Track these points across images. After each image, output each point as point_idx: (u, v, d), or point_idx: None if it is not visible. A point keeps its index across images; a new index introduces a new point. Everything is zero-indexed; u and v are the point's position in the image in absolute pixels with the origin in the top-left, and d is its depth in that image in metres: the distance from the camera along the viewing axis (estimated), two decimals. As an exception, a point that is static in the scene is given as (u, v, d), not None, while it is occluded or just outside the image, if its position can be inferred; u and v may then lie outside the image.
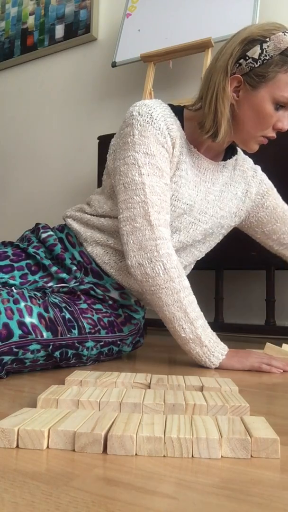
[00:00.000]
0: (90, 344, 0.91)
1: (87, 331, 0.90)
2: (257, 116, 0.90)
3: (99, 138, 1.80)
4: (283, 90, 0.87)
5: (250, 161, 1.13)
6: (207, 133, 0.93)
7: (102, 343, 0.94)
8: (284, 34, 0.86)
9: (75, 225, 1.05)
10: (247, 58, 0.88)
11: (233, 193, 1.07)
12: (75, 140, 2.26)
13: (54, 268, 0.99)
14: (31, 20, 2.41)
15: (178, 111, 0.98)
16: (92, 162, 2.11)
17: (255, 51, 0.87)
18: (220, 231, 1.09)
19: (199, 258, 1.11)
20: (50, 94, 2.38)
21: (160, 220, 0.89)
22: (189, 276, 1.03)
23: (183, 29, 1.76)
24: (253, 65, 0.88)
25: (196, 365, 0.96)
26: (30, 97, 2.45)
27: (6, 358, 0.78)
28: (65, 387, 0.61)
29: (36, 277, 0.98)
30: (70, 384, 0.68)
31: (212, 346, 0.89)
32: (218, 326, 1.62)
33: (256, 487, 0.37)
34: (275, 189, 1.15)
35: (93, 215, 1.04)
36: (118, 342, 0.99)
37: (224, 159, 1.06)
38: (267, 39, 0.86)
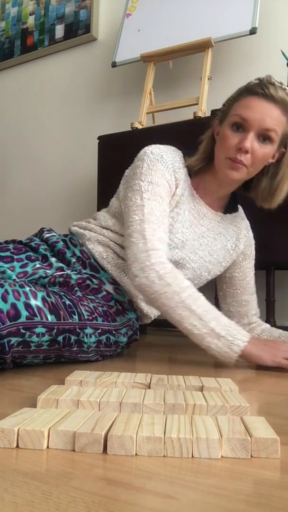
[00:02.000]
0: (89, 330, 0.93)
1: (85, 318, 0.93)
2: (221, 141, 0.98)
3: (99, 138, 1.80)
4: (235, 111, 0.95)
5: (247, 223, 1.22)
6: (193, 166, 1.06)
7: (99, 331, 0.96)
8: (254, 80, 0.96)
9: (79, 230, 1.15)
10: (221, 108, 1.03)
11: (224, 243, 1.14)
12: (75, 140, 2.27)
13: (53, 259, 1.07)
14: (31, 20, 2.41)
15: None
16: (92, 162, 2.11)
17: (225, 101, 1.03)
18: (206, 277, 1.15)
19: None
20: (50, 94, 2.38)
21: (154, 235, 0.94)
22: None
23: (183, 29, 1.76)
24: (222, 109, 1.02)
25: (196, 365, 0.96)
26: (30, 97, 2.45)
27: (13, 340, 0.80)
28: (65, 387, 0.61)
29: (36, 263, 1.05)
30: (70, 384, 0.68)
31: (230, 334, 0.88)
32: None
33: (256, 487, 0.37)
34: (253, 262, 1.23)
35: (97, 226, 1.14)
36: (114, 332, 1.01)
37: (225, 212, 1.14)
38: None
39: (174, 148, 1.08)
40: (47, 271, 1.04)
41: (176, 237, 1.05)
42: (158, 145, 1.05)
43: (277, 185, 1.03)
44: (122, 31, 1.93)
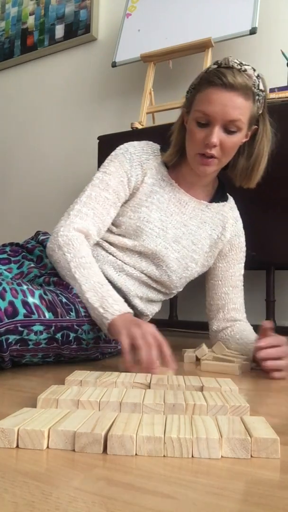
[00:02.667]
0: (86, 327, 0.93)
1: (83, 314, 0.93)
2: (188, 136, 0.99)
3: (99, 138, 1.80)
4: (198, 105, 0.94)
5: (237, 214, 1.18)
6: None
7: (98, 327, 0.95)
8: (213, 65, 0.94)
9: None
10: (186, 95, 1.02)
11: (208, 232, 1.12)
12: (75, 140, 2.26)
13: (48, 259, 1.09)
14: (31, 20, 2.41)
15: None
16: (92, 162, 2.11)
17: (188, 87, 1.01)
18: (194, 268, 1.12)
19: (174, 291, 1.16)
20: (50, 94, 2.38)
21: (78, 215, 0.99)
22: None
23: (183, 29, 1.76)
24: (187, 96, 1.02)
25: (196, 365, 0.96)
26: (30, 97, 2.45)
27: (11, 338, 0.80)
28: (65, 387, 0.61)
29: (31, 263, 1.08)
30: (70, 384, 0.68)
31: (103, 306, 0.87)
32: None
33: (256, 487, 0.37)
34: (243, 255, 1.17)
35: None
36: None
37: (211, 201, 1.13)
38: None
39: (151, 142, 1.11)
40: (42, 271, 1.06)
41: (155, 225, 1.05)
42: (131, 142, 1.10)
43: (254, 164, 1.03)
44: (122, 31, 1.93)
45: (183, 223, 1.09)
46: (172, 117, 1.82)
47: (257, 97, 0.94)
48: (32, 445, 0.44)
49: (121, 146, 1.09)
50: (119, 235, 1.07)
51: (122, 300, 0.91)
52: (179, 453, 0.43)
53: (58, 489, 0.35)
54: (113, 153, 1.08)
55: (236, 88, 0.90)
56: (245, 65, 0.92)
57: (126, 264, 1.06)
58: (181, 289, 1.17)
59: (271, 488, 0.37)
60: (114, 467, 0.40)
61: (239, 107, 0.91)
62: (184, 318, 1.77)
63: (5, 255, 1.08)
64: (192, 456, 0.43)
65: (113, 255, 1.07)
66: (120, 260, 1.06)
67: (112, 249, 1.07)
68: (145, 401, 0.55)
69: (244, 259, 1.17)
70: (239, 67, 0.91)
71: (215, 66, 0.93)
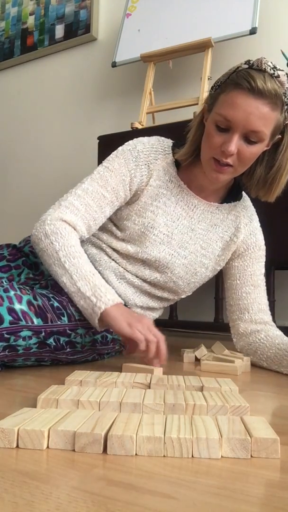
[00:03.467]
0: (81, 331, 0.92)
1: (76, 318, 0.91)
2: (205, 137, 0.91)
3: (99, 138, 1.80)
4: (220, 108, 0.86)
5: (252, 212, 1.09)
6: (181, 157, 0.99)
7: (93, 330, 0.94)
8: (243, 64, 0.86)
9: None
10: (210, 90, 0.94)
11: (220, 235, 1.05)
12: (75, 140, 2.26)
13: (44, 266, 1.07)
14: (31, 20, 2.41)
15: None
16: (92, 162, 2.11)
17: (214, 83, 0.92)
18: (204, 273, 1.06)
19: (183, 296, 1.10)
20: (50, 94, 2.38)
21: (69, 207, 0.95)
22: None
23: (183, 29, 1.76)
24: (211, 92, 0.93)
25: (195, 365, 0.96)
26: (30, 97, 2.45)
27: None
28: (65, 387, 0.61)
29: (30, 274, 1.07)
30: (70, 384, 0.68)
31: (95, 295, 0.85)
32: (218, 326, 1.62)
33: (256, 487, 0.37)
34: (262, 253, 1.09)
35: None
36: (111, 329, 0.97)
37: (223, 201, 1.05)
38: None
39: (162, 138, 1.04)
40: (37, 278, 1.06)
41: (160, 231, 1.00)
42: (140, 138, 1.03)
43: (275, 176, 0.94)
44: (122, 31, 1.93)
45: (190, 227, 1.03)
46: (172, 117, 1.83)
47: (286, 107, 0.86)
48: (32, 445, 0.44)
49: (130, 142, 1.02)
50: (122, 240, 1.02)
51: (113, 290, 0.88)
52: (179, 453, 0.43)
53: (58, 489, 0.35)
54: (120, 148, 1.01)
55: (265, 96, 0.82)
56: (279, 70, 0.83)
57: (128, 271, 1.02)
58: (190, 293, 1.11)
59: (271, 488, 0.37)
60: (114, 467, 0.40)
61: (264, 117, 0.83)
62: (184, 318, 1.77)
63: (4, 262, 1.06)
64: (192, 456, 0.43)
65: (115, 261, 1.03)
66: (122, 267, 1.02)
67: (115, 255, 1.03)
68: (145, 401, 0.56)
69: (263, 258, 1.09)
70: (272, 71, 0.83)
71: (246, 66, 0.85)
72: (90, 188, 0.97)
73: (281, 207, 1.09)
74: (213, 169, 0.91)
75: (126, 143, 1.02)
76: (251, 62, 0.85)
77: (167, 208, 1.01)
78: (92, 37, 2.20)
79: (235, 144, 0.85)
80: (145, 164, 0.99)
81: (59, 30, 2.29)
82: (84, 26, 2.20)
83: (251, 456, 0.44)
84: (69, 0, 2.27)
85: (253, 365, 0.99)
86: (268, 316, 1.06)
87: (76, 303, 0.88)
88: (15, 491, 0.35)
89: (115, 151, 1.01)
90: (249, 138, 0.85)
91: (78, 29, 2.22)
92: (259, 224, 1.10)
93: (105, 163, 1.00)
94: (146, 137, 1.04)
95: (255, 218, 1.10)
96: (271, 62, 0.84)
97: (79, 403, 0.55)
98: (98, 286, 0.86)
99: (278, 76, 0.83)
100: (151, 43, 1.81)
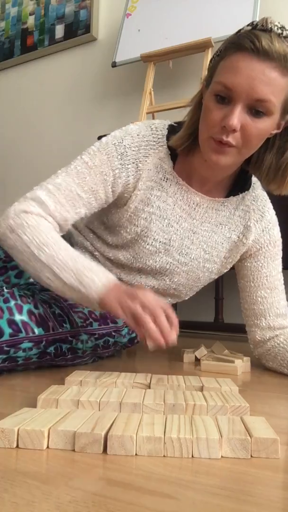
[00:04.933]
0: (84, 337, 0.90)
1: (79, 325, 0.90)
2: (203, 114, 0.77)
3: (99, 138, 1.80)
4: (219, 75, 0.73)
5: (264, 202, 0.94)
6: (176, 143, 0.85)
7: (96, 336, 0.93)
8: (246, 26, 0.74)
9: (71, 228, 1.05)
10: (208, 64, 0.82)
11: (226, 236, 0.93)
12: (75, 140, 2.26)
13: None
14: (31, 20, 2.41)
15: None
16: (92, 162, 2.10)
17: (213, 54, 0.80)
18: (209, 276, 0.97)
19: (185, 298, 1.03)
20: (50, 94, 2.38)
21: (35, 199, 0.82)
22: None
23: (183, 29, 1.76)
24: (209, 64, 0.80)
25: (195, 365, 0.96)
26: (30, 97, 2.45)
27: None
28: (65, 387, 0.61)
29: (30, 279, 1.01)
30: (70, 384, 0.68)
31: (84, 285, 0.74)
32: (218, 326, 1.62)
33: (256, 487, 0.37)
34: (278, 249, 0.96)
35: (86, 227, 1.01)
36: (113, 333, 0.97)
37: (229, 195, 0.92)
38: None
39: (156, 124, 0.89)
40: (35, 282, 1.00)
41: (155, 240, 0.88)
42: (129, 126, 0.88)
43: (287, 163, 0.81)
44: (122, 31, 1.93)
45: (192, 230, 0.90)
46: (172, 117, 1.83)
47: None
48: (32, 445, 0.44)
49: (116, 133, 0.87)
50: (116, 247, 0.93)
51: (101, 268, 0.77)
52: (179, 453, 0.43)
53: (58, 489, 0.35)
54: (103, 140, 0.86)
55: (272, 58, 0.68)
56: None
57: (122, 281, 0.93)
58: (192, 295, 1.04)
59: (271, 488, 0.37)
60: (114, 467, 0.40)
61: (271, 83, 0.69)
62: (184, 318, 1.77)
63: (0, 263, 1.00)
64: (192, 456, 0.43)
65: (108, 270, 0.90)
66: (116, 276, 0.91)
67: (108, 264, 0.94)
68: (145, 401, 0.56)
69: (280, 254, 0.96)
70: (279, 31, 0.69)
71: (249, 27, 0.72)
72: (64, 184, 0.83)
73: (280, 206, 1.04)
74: (212, 150, 0.76)
75: (111, 134, 0.87)
76: (255, 22, 0.72)
77: (163, 213, 0.88)
78: (92, 37, 2.20)
79: (237, 117, 0.71)
80: (133, 163, 0.85)
81: (59, 30, 2.29)
82: (84, 26, 2.20)
83: (251, 456, 0.44)
84: (69, 0, 2.27)
85: (273, 371, 0.93)
86: (287, 320, 0.95)
87: (69, 298, 0.79)
88: (15, 491, 0.35)
89: (97, 143, 0.86)
90: (255, 108, 0.72)
91: (78, 29, 2.22)
92: (273, 215, 0.95)
93: (84, 156, 0.85)
94: (135, 125, 0.88)
95: (268, 209, 0.94)
96: (279, 22, 0.70)
97: (79, 403, 0.55)
98: (83, 272, 0.74)
99: (287, 37, 0.69)
100: (151, 43, 1.81)
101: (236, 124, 0.71)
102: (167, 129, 0.88)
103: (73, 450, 0.44)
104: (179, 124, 0.88)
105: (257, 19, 1.57)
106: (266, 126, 0.74)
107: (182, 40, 1.72)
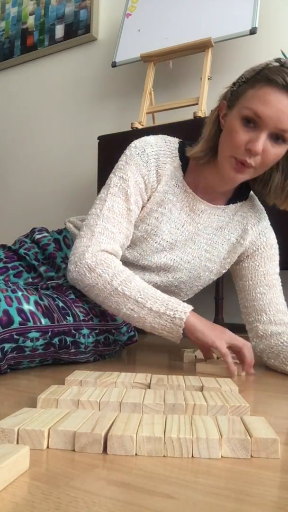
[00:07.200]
0: (85, 331, 0.92)
1: (80, 318, 0.92)
2: (228, 133, 0.86)
3: (99, 138, 1.80)
4: (249, 102, 0.82)
5: (260, 211, 1.05)
6: (195, 156, 0.94)
7: (97, 331, 0.94)
8: (273, 62, 0.84)
9: (74, 230, 1.12)
10: (231, 86, 0.90)
11: (226, 238, 1.02)
12: (75, 140, 2.26)
13: (42, 268, 1.06)
14: (31, 20, 2.41)
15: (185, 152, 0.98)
16: (92, 162, 2.11)
17: (237, 79, 0.89)
18: (208, 276, 1.04)
19: (184, 299, 1.08)
20: (50, 94, 2.38)
21: (104, 233, 0.90)
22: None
23: (183, 29, 1.76)
24: (233, 88, 0.88)
25: (195, 365, 0.96)
26: (30, 97, 2.45)
27: (7, 346, 0.80)
28: (65, 387, 0.61)
29: (29, 278, 1.05)
30: (70, 384, 0.68)
31: (170, 308, 0.83)
32: (218, 326, 1.62)
33: (256, 487, 0.37)
34: (275, 252, 1.03)
35: None
36: (113, 331, 0.99)
37: (229, 203, 1.01)
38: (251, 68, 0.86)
39: (169, 138, 1.00)
40: (40, 284, 1.03)
41: (162, 239, 0.97)
42: (146, 138, 0.98)
43: None
44: (122, 31, 1.93)
45: (195, 232, 0.99)
46: (172, 117, 1.83)
47: None
48: (32, 445, 0.44)
49: (137, 144, 0.96)
50: None
51: (179, 300, 0.87)
52: (179, 453, 0.43)
53: (58, 489, 0.35)
54: (127, 153, 0.96)
55: None
56: None
57: None
58: (192, 296, 1.10)
59: (271, 488, 0.37)
60: (114, 467, 0.40)
61: None
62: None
63: (1, 264, 1.05)
64: (192, 456, 0.43)
65: None
66: None
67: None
68: (145, 401, 0.55)
69: (277, 256, 1.04)
70: None
71: (277, 64, 0.81)
72: (116, 205, 0.92)
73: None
74: (233, 168, 0.85)
75: (133, 146, 0.96)
76: (282, 60, 0.81)
77: (172, 215, 0.97)
78: (92, 37, 2.20)
79: (262, 143, 0.81)
80: (155, 169, 0.95)
81: (59, 30, 2.29)
82: (84, 26, 2.20)
83: (251, 456, 0.44)
84: (69, 0, 2.27)
85: (273, 371, 0.94)
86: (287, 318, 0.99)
87: (150, 327, 0.85)
88: (15, 491, 0.35)
89: (123, 157, 0.96)
90: (278, 137, 0.82)
91: (78, 29, 2.22)
92: (269, 223, 1.05)
93: (117, 172, 0.94)
94: (152, 137, 0.98)
95: (264, 216, 1.05)
96: None
97: (79, 403, 0.55)
98: (167, 299, 0.84)
99: None
100: (151, 43, 1.81)
101: (260, 149, 0.82)
102: (178, 143, 1.00)
103: (73, 450, 0.44)
104: (186, 142, 0.99)
105: (257, 19, 1.58)
106: (282, 151, 0.85)
107: (182, 40, 1.72)
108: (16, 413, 0.49)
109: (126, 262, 0.98)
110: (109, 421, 0.47)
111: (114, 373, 0.72)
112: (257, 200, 1.06)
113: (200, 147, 0.93)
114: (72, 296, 0.95)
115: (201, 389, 0.66)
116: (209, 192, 0.98)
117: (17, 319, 0.81)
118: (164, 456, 0.43)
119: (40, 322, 0.84)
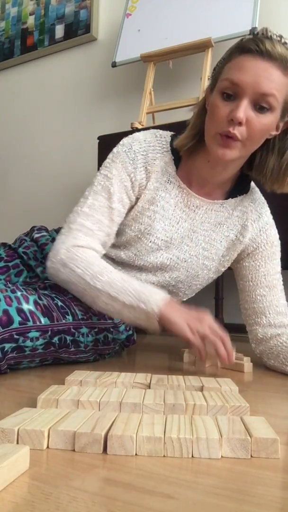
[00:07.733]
0: (84, 330, 0.92)
1: (79, 317, 0.92)
2: (210, 112, 0.83)
3: (99, 138, 1.80)
4: (226, 74, 0.80)
5: (261, 205, 1.00)
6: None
7: (96, 329, 0.94)
8: (247, 35, 0.82)
9: None
10: (212, 71, 0.89)
11: (225, 234, 0.98)
12: (75, 140, 2.26)
13: (40, 268, 1.06)
14: (31, 20, 2.41)
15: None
16: (92, 162, 2.10)
17: (217, 63, 0.87)
18: (207, 274, 1.01)
19: (184, 299, 1.07)
20: (50, 94, 2.38)
21: (82, 230, 0.89)
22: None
23: (183, 29, 1.76)
24: (213, 73, 0.87)
25: (195, 365, 0.96)
26: (30, 97, 2.45)
27: (7, 346, 0.80)
28: (65, 387, 0.61)
29: (27, 278, 1.06)
30: (70, 384, 0.68)
31: (143, 301, 0.81)
32: (218, 326, 1.62)
33: (256, 487, 0.37)
34: (276, 249, 1.00)
35: None
36: (111, 329, 0.99)
37: (227, 197, 0.97)
38: None
39: (160, 133, 0.97)
40: (38, 283, 1.03)
41: (157, 238, 0.94)
42: (136, 134, 0.96)
43: (287, 163, 0.88)
44: (122, 31, 1.93)
45: (192, 229, 0.96)
46: (172, 117, 1.83)
47: None
48: (32, 445, 0.44)
49: (124, 141, 0.94)
50: (118, 247, 0.98)
51: (154, 287, 0.85)
52: (179, 453, 0.43)
53: (58, 489, 0.35)
54: (114, 151, 0.94)
55: (274, 58, 0.76)
56: (286, 39, 0.79)
57: None
58: (192, 295, 1.07)
59: (271, 488, 0.37)
60: (114, 467, 0.40)
61: (274, 80, 0.76)
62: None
63: (1, 263, 1.05)
64: (192, 456, 0.43)
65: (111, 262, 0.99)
66: None
67: (109, 263, 0.96)
68: (145, 401, 0.56)
69: (278, 254, 1.00)
70: (278, 38, 0.78)
71: (250, 36, 0.80)
72: (96, 203, 0.91)
73: (279, 206, 1.05)
74: (219, 144, 0.81)
75: (120, 143, 0.95)
76: (255, 32, 0.80)
77: (166, 212, 0.94)
78: (92, 37, 2.20)
79: (243, 110, 0.77)
80: (143, 166, 0.93)
81: (59, 30, 2.29)
82: (84, 26, 2.20)
83: (251, 456, 0.44)
84: (69, 0, 2.27)
85: (273, 371, 0.93)
86: (287, 319, 0.97)
87: (128, 319, 0.85)
88: (15, 491, 0.35)
89: (110, 154, 0.95)
90: (259, 103, 0.78)
91: (78, 29, 2.22)
92: (271, 218, 1.01)
93: (103, 170, 0.93)
94: (141, 133, 0.96)
95: (266, 211, 1.00)
96: (277, 31, 0.79)
97: (79, 403, 0.55)
98: (140, 291, 0.82)
99: (286, 43, 0.78)
100: (151, 43, 1.81)
101: (243, 117, 0.77)
102: (170, 136, 0.96)
103: (73, 450, 0.44)
104: (179, 134, 0.95)
105: (257, 19, 1.58)
106: (269, 121, 0.80)
107: (182, 40, 1.72)
108: (16, 413, 0.49)
109: (122, 263, 0.98)
110: (109, 421, 0.47)
111: (114, 373, 0.72)
112: (259, 193, 1.02)
113: (185, 134, 0.91)
114: (71, 295, 0.95)
115: (201, 389, 0.66)
116: (204, 184, 0.95)
117: (16, 318, 0.81)
118: (164, 456, 0.43)
119: (40, 322, 0.84)
